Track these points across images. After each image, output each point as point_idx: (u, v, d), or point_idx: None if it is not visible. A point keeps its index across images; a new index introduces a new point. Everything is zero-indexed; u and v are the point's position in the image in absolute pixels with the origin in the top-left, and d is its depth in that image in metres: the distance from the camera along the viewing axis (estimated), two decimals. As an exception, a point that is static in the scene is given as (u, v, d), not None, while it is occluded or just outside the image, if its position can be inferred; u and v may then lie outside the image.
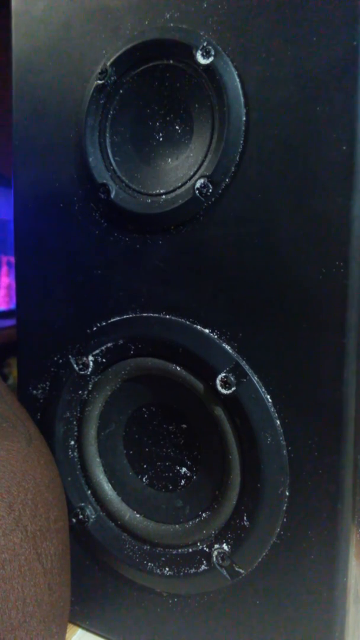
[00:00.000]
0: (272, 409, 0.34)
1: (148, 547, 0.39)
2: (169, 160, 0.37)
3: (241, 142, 0.33)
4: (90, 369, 0.39)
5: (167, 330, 0.37)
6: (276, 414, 0.34)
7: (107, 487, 0.41)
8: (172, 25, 0.35)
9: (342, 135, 0.30)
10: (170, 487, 0.39)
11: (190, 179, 0.35)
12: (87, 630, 0.43)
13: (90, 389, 0.40)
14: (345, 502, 0.32)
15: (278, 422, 0.33)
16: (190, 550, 0.37)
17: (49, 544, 0.34)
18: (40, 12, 0.41)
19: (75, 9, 0.39)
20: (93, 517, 0.41)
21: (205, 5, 0.34)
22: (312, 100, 0.31)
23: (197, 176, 0.35)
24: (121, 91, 0.38)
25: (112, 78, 0.37)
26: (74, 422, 0.41)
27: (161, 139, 0.37)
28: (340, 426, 0.32)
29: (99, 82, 0.38)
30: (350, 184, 0.30)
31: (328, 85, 0.30)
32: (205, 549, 0.36)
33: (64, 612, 0.36)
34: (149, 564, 0.38)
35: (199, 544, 0.37)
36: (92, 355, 0.39)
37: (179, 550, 0.38)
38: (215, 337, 0.35)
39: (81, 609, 0.43)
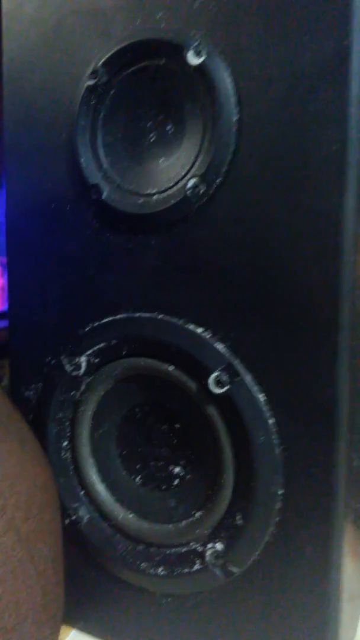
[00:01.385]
0: (265, 408, 0.34)
1: (142, 547, 0.39)
2: (161, 160, 0.37)
3: (233, 141, 0.33)
4: (82, 370, 0.39)
5: (160, 329, 0.37)
6: (269, 413, 0.34)
7: (100, 488, 0.41)
8: (163, 25, 0.35)
9: (333, 134, 0.30)
10: (164, 487, 0.39)
11: (182, 178, 0.35)
12: (81, 631, 0.43)
13: (83, 389, 0.40)
14: (338, 500, 0.33)
15: (271, 421, 0.34)
16: (184, 549, 0.37)
17: (42, 545, 0.34)
18: (31, 13, 0.41)
19: (66, 10, 0.39)
20: (86, 517, 0.41)
21: (196, 5, 0.34)
22: (304, 100, 0.31)
23: (189, 176, 0.35)
24: (113, 91, 0.38)
25: (104, 78, 0.37)
26: (67, 423, 0.41)
27: (153, 139, 0.37)
28: (333, 425, 0.32)
29: (91, 82, 0.38)
30: (342, 183, 0.30)
31: (319, 85, 0.31)
32: (198, 548, 0.37)
33: (58, 613, 0.36)
34: (143, 563, 0.38)
35: (192, 543, 0.37)
36: (85, 356, 0.39)
37: (173, 550, 0.38)
38: (208, 336, 0.35)
39: (75, 610, 0.43)
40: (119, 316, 0.39)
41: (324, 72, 0.30)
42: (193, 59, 0.34)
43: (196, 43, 0.34)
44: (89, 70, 0.38)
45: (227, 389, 0.34)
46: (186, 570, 0.37)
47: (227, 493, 0.35)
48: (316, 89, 0.31)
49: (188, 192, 0.34)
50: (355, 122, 0.30)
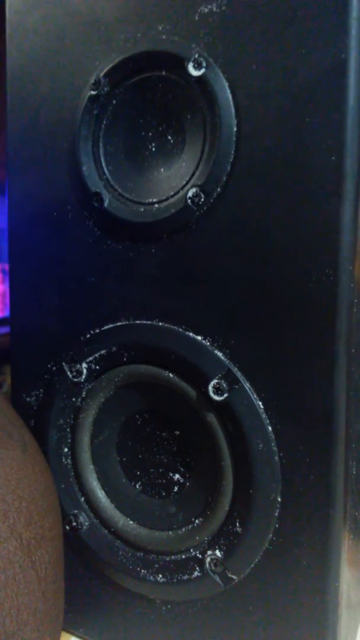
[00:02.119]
0: (264, 415, 0.34)
1: (141, 554, 0.39)
2: (162, 169, 0.37)
3: (232, 152, 0.34)
4: (83, 376, 0.40)
5: (160, 337, 0.37)
6: (268, 420, 0.34)
7: (100, 494, 0.41)
8: (164, 37, 0.36)
9: (331, 146, 0.31)
10: (164, 494, 0.39)
11: (182, 188, 0.36)
12: (81, 637, 0.43)
13: (83, 396, 0.40)
14: (337, 507, 0.33)
15: (270, 428, 0.34)
16: (184, 556, 0.37)
17: (43, 551, 0.34)
18: (34, 24, 0.42)
19: (69, 21, 0.40)
20: (86, 524, 0.41)
21: (196, 18, 0.35)
22: (302, 111, 0.31)
23: (189, 185, 0.35)
24: (114, 102, 0.38)
25: (105, 89, 0.38)
26: (68, 429, 0.41)
27: (154, 149, 0.37)
28: (331, 432, 0.32)
29: (93, 92, 0.38)
30: (339, 194, 0.31)
31: (317, 97, 0.31)
32: (198, 555, 0.37)
33: (58, 619, 0.36)
34: (143, 570, 0.38)
35: (192, 550, 0.37)
36: (86, 363, 0.40)
37: (172, 557, 0.38)
38: (208, 344, 0.36)
39: (75, 617, 0.43)
40: (119, 323, 0.39)
41: (321, 84, 0.31)
42: (193, 71, 0.34)
43: (196, 55, 0.34)
44: (91, 80, 0.38)
45: (226, 396, 0.34)
46: (185, 577, 0.37)
47: (226, 500, 0.35)
48: (314, 100, 0.31)
49: (188, 202, 0.35)
50: (352, 133, 0.30)
